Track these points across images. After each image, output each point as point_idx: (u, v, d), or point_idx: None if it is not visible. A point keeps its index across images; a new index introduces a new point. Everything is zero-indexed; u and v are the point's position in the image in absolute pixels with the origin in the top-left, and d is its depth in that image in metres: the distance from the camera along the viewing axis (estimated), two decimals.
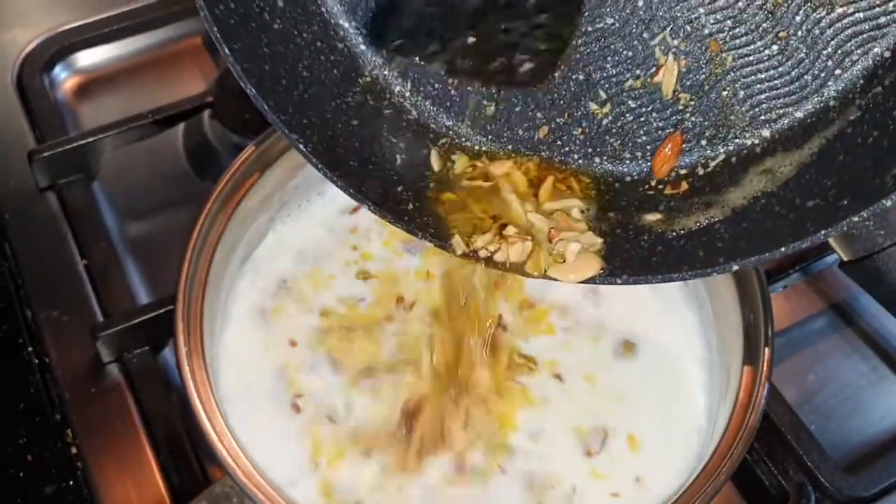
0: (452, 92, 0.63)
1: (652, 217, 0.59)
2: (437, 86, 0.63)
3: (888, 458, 0.79)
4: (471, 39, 0.61)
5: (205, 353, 0.63)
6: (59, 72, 1.00)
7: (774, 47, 0.58)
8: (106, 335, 0.77)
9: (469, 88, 0.63)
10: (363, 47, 0.62)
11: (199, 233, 0.66)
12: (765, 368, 0.63)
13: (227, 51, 0.55)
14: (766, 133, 0.59)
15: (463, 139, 0.64)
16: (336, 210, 0.78)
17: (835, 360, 0.86)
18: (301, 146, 0.57)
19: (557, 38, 0.61)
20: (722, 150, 0.60)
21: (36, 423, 0.76)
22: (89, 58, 1.02)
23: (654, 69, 0.60)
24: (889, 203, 0.49)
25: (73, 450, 0.75)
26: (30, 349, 0.80)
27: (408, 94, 0.63)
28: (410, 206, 0.60)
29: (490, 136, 0.64)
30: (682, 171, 0.61)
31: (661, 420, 0.69)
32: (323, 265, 0.75)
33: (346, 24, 0.62)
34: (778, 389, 0.79)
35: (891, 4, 0.54)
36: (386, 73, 0.63)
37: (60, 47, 1.00)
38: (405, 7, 0.62)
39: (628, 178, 0.62)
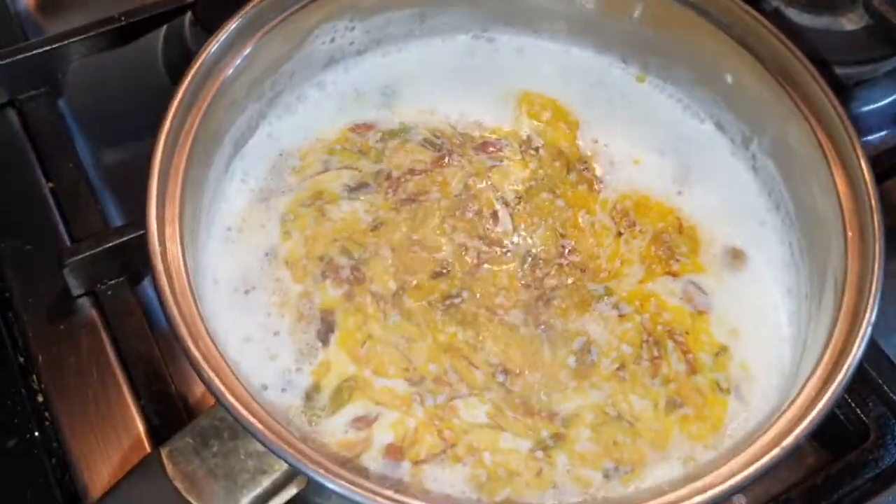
0: None
1: None
2: None
3: None
4: None
5: (187, 266, 0.56)
6: None
7: None
8: (74, 262, 0.71)
9: None
10: None
11: (172, 119, 0.57)
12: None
13: None
14: None
15: None
16: (341, 104, 0.70)
17: None
18: None
19: None
20: None
21: None
22: None
23: None
24: None
25: (40, 397, 0.70)
26: None
27: None
28: None
29: None
30: None
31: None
32: (323, 167, 0.67)
33: None
34: None
35: None
36: None
37: None
38: None
39: None
